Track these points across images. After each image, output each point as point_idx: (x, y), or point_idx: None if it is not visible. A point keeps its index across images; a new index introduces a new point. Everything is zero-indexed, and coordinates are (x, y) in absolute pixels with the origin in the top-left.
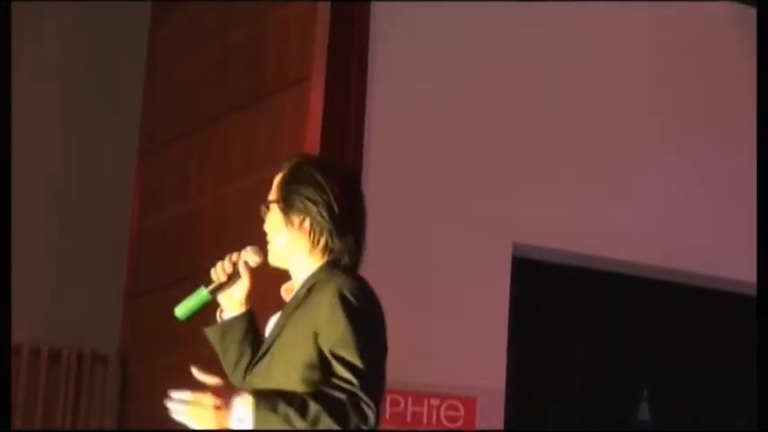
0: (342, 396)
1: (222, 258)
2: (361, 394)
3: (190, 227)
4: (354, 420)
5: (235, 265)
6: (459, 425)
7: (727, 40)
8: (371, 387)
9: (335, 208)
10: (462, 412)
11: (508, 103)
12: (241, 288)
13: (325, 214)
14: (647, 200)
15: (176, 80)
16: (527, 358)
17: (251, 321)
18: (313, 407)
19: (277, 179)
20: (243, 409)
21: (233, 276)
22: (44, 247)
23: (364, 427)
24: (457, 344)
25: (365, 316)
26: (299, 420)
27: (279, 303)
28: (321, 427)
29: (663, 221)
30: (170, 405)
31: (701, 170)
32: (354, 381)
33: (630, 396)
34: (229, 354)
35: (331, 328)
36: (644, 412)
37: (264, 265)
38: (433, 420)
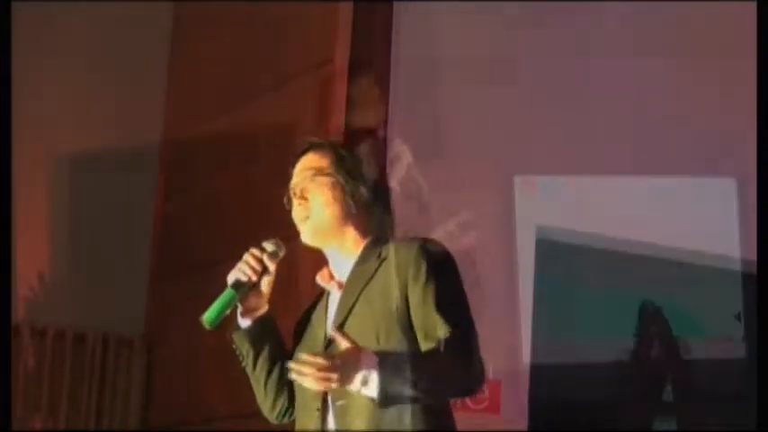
0: (460, 357)
1: (243, 245)
2: (474, 355)
3: (214, 211)
4: (475, 381)
5: (261, 261)
6: (483, 407)
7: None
8: (476, 346)
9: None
10: (487, 395)
11: (529, 90)
12: (267, 283)
13: (385, 203)
14: (674, 179)
15: (201, 64)
16: (551, 341)
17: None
18: (437, 370)
19: (331, 154)
20: (368, 371)
21: (263, 274)
22: (68, 231)
23: (483, 387)
24: (481, 327)
25: (456, 275)
26: (422, 383)
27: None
28: (444, 389)
29: (689, 203)
30: (293, 366)
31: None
32: (466, 343)
33: (655, 379)
34: (265, 353)
35: (428, 289)
36: (668, 394)
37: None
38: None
